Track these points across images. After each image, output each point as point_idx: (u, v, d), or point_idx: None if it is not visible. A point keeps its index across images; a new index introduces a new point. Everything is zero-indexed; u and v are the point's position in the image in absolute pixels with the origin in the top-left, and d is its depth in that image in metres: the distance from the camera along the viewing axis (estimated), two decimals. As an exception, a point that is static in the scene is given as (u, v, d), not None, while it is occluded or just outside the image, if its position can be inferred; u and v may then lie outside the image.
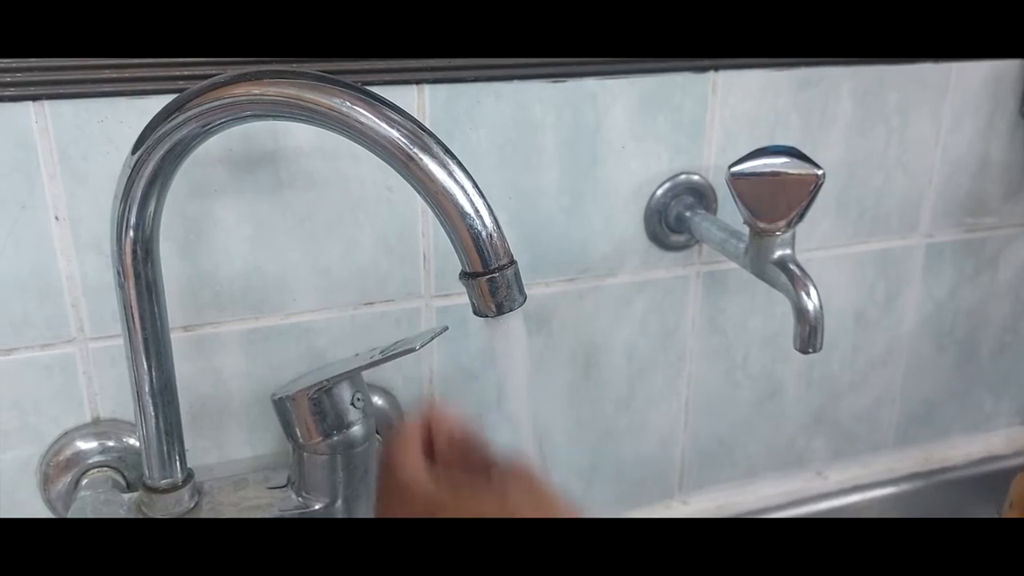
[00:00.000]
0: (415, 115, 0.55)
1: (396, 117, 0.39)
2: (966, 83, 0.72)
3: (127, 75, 0.50)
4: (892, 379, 0.81)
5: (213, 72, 0.51)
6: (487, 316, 0.41)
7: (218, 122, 0.41)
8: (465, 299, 0.43)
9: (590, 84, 0.61)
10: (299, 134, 0.55)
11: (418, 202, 0.59)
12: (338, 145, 0.55)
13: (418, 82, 0.56)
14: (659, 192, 0.65)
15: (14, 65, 0.48)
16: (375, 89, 0.41)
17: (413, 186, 0.40)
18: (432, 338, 0.52)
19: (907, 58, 0.69)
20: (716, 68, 0.63)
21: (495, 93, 0.58)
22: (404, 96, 0.56)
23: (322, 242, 0.58)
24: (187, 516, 0.53)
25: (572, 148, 0.62)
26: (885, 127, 0.71)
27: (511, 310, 0.41)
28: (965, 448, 0.86)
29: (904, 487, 0.82)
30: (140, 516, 0.53)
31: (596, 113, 0.62)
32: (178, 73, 0.51)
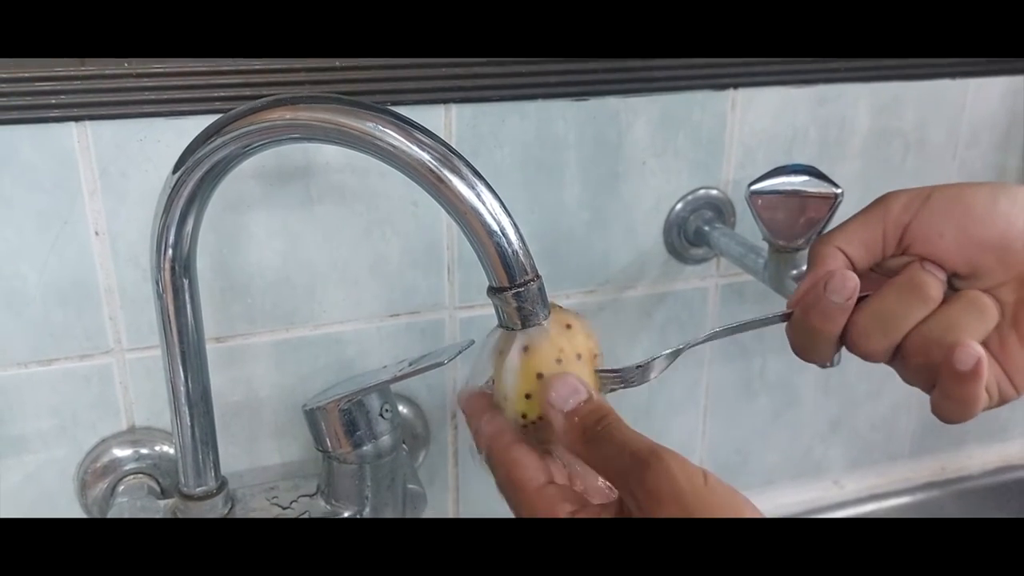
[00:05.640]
0: (442, 133, 0.57)
1: (426, 140, 0.41)
2: (983, 99, 0.73)
3: (165, 96, 0.52)
4: (908, 388, 0.81)
5: (246, 93, 0.53)
6: (513, 329, 0.43)
7: (255, 144, 0.43)
8: (487, 310, 0.44)
9: (612, 102, 0.62)
10: (328, 151, 0.57)
11: (442, 217, 0.61)
12: (367, 162, 0.57)
13: (445, 101, 0.58)
14: (678, 206, 0.67)
15: (58, 88, 0.50)
16: (404, 108, 0.43)
17: (442, 205, 0.41)
18: (459, 352, 0.54)
19: (924, 77, 0.70)
20: (735, 86, 0.64)
21: (520, 112, 0.60)
22: (432, 115, 0.57)
23: (350, 255, 0.60)
24: (220, 522, 0.55)
25: (594, 164, 0.63)
26: (902, 142, 0.72)
27: (536, 324, 0.43)
28: (981, 457, 0.87)
29: (920, 496, 0.83)
30: (175, 522, 0.55)
31: (618, 130, 0.63)
32: (213, 95, 0.53)
